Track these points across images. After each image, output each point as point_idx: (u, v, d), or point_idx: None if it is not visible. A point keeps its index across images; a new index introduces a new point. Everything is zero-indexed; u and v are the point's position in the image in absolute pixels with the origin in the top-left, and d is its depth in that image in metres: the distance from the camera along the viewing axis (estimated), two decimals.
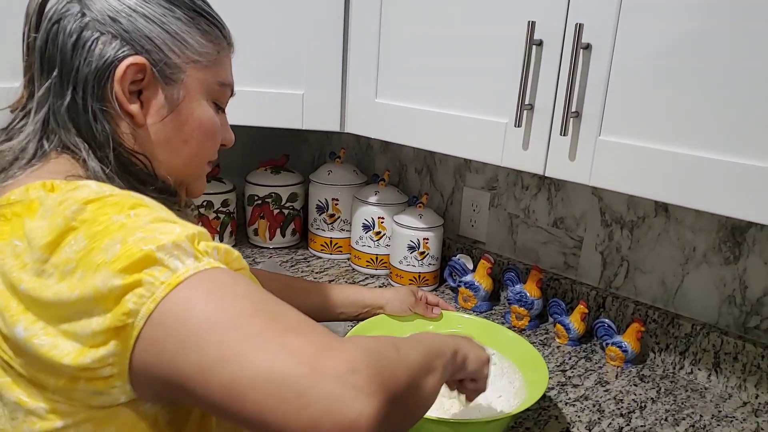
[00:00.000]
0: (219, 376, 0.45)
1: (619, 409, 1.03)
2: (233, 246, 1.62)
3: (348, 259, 1.61)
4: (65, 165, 0.61)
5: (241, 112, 1.26)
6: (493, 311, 1.38)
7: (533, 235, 1.38)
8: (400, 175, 1.63)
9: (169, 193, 0.67)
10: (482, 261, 1.36)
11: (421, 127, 1.11)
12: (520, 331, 1.29)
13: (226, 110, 0.74)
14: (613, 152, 0.86)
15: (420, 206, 1.44)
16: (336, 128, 1.25)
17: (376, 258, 1.52)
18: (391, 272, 1.48)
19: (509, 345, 1.02)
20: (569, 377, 1.13)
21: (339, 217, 1.60)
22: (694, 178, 0.79)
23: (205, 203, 1.58)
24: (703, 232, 1.11)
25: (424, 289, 1.44)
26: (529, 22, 0.88)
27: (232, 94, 0.72)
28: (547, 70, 0.90)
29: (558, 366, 1.16)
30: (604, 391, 1.09)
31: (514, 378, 0.99)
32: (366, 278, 1.52)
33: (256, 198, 1.63)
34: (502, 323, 1.32)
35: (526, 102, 0.93)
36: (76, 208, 0.51)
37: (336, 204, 1.58)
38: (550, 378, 1.11)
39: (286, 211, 1.65)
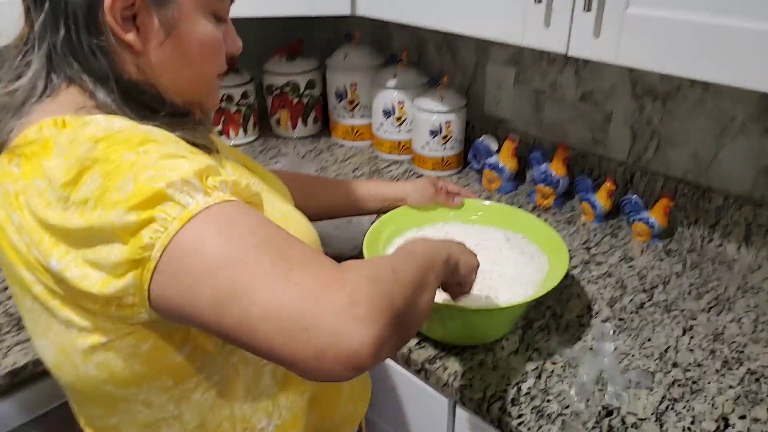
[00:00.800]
0: (231, 310, 0.48)
1: (642, 284, 1.05)
2: (258, 138, 1.63)
3: (371, 145, 1.59)
4: (76, 97, 0.60)
5: (246, 2, 1.20)
6: (518, 191, 1.37)
7: (560, 111, 1.33)
8: (419, 54, 1.56)
9: (180, 116, 0.66)
10: (507, 141, 1.33)
11: (435, 4, 1.04)
12: (545, 210, 1.29)
13: (230, 12, 0.70)
14: (641, 26, 0.80)
15: (441, 87, 1.39)
16: (347, 12, 1.19)
17: (399, 144, 1.50)
18: (413, 158, 1.46)
19: (532, 228, 1.02)
20: (593, 255, 1.14)
21: (359, 103, 1.56)
22: (732, 50, 0.73)
23: (225, 96, 1.56)
24: (743, 101, 1.05)
25: (448, 174, 1.44)
26: None
27: (232, 1, 0.68)
28: None
29: (582, 244, 1.17)
30: (628, 267, 1.10)
31: (539, 262, 0.99)
32: (389, 165, 1.51)
33: (274, 88, 1.60)
34: (528, 202, 1.32)
35: None
36: (87, 147, 0.52)
37: (354, 89, 1.54)
38: (573, 256, 1.13)
39: (305, 100, 1.62)
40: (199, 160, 0.53)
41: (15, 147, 0.57)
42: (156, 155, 0.52)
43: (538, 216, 1.26)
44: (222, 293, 0.48)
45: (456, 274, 0.71)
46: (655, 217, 1.14)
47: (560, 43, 0.89)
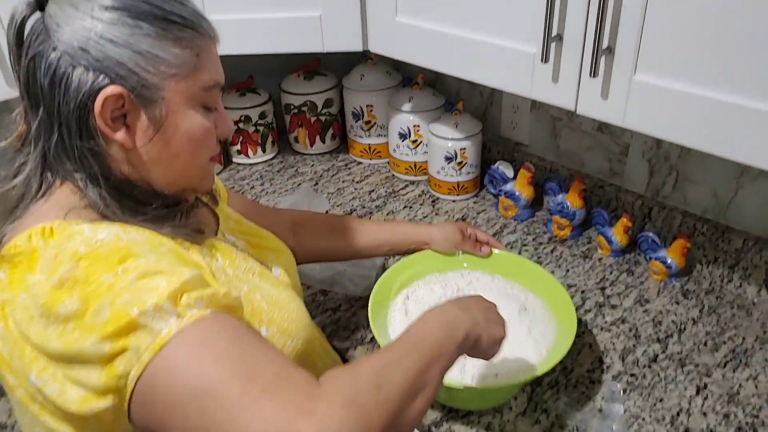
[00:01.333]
0: None
1: (656, 332, 1.03)
2: (276, 155, 1.64)
3: (388, 163, 1.59)
4: (68, 196, 0.62)
5: (258, 40, 1.21)
6: (534, 218, 1.35)
7: (577, 139, 1.30)
8: (436, 74, 1.53)
9: (170, 206, 0.67)
10: (522, 170, 1.31)
11: (445, 50, 1.02)
12: (562, 241, 1.28)
13: (220, 102, 0.69)
14: (648, 94, 0.77)
15: (456, 113, 1.37)
16: (358, 48, 1.17)
17: (415, 165, 1.49)
18: (429, 180, 1.46)
19: (549, 290, 0.99)
20: (608, 296, 1.12)
21: (375, 123, 1.55)
22: (735, 127, 0.70)
23: (243, 117, 1.57)
24: None
25: (463, 198, 1.43)
26: None
27: (222, 90, 0.68)
28: None
29: (597, 283, 1.16)
30: (643, 311, 1.08)
31: (551, 326, 0.97)
32: (406, 185, 1.51)
33: (292, 107, 1.60)
34: (544, 232, 1.31)
35: (554, 33, 0.82)
36: (70, 266, 0.54)
37: (371, 110, 1.53)
38: (587, 298, 1.12)
39: (323, 118, 1.61)
40: (178, 274, 0.55)
41: (5, 254, 0.59)
42: (134, 275, 0.53)
43: (554, 248, 1.25)
44: (192, 424, 0.50)
45: (476, 350, 0.68)
46: (673, 256, 1.12)
47: (569, 101, 0.87)
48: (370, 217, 1.39)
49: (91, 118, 0.59)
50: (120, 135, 0.61)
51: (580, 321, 1.04)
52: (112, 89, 0.59)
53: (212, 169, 0.73)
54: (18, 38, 0.61)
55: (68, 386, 0.54)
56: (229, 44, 1.20)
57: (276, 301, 0.73)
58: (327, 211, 1.40)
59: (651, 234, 1.15)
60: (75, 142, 0.60)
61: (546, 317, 0.95)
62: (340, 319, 1.10)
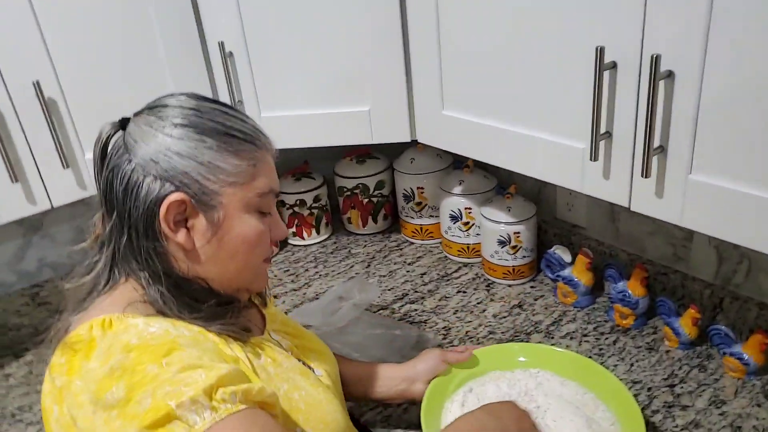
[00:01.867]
0: None
1: None
2: (330, 236, 1.66)
3: (440, 244, 1.57)
4: (130, 292, 0.68)
5: (311, 134, 1.24)
6: (595, 305, 1.29)
7: (637, 223, 1.25)
8: None
9: (225, 304, 0.71)
10: (580, 256, 1.26)
11: (492, 143, 1.01)
12: (625, 331, 1.20)
13: (275, 208, 0.75)
14: (706, 193, 0.73)
15: (508, 197, 1.35)
16: (406, 139, 1.19)
17: (468, 247, 1.47)
18: (483, 263, 1.43)
19: (605, 387, 0.93)
20: (678, 395, 1.04)
21: (426, 205, 1.55)
22: None
23: (298, 202, 1.60)
24: None
25: (520, 282, 1.38)
26: (597, 47, 0.74)
27: (276, 196, 0.74)
28: (624, 96, 0.77)
29: (665, 379, 1.08)
30: (719, 414, 0.99)
31: (601, 418, 0.91)
32: (459, 267, 1.48)
33: (345, 190, 1.62)
34: (606, 320, 1.24)
35: (603, 130, 0.80)
36: (121, 357, 0.58)
37: (422, 192, 1.53)
38: (654, 397, 1.04)
39: (375, 199, 1.63)
40: (216, 369, 0.58)
41: (67, 342, 0.64)
42: (176, 368, 0.57)
43: (616, 339, 1.18)
44: None
45: None
46: (750, 353, 1.03)
47: (621, 198, 0.83)
48: (422, 303, 1.36)
49: (156, 221, 0.66)
50: (180, 236, 0.67)
51: (647, 423, 0.96)
52: (175, 196, 0.65)
53: (265, 271, 0.77)
54: (102, 153, 0.69)
55: None
56: (285, 139, 1.25)
57: (314, 402, 0.74)
58: (378, 297, 1.39)
59: (724, 327, 1.07)
60: (142, 242, 0.67)
61: (609, 424, 0.88)
62: (392, 416, 1.07)
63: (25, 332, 1.40)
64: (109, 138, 0.69)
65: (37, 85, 1.03)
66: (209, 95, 1.20)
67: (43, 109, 1.04)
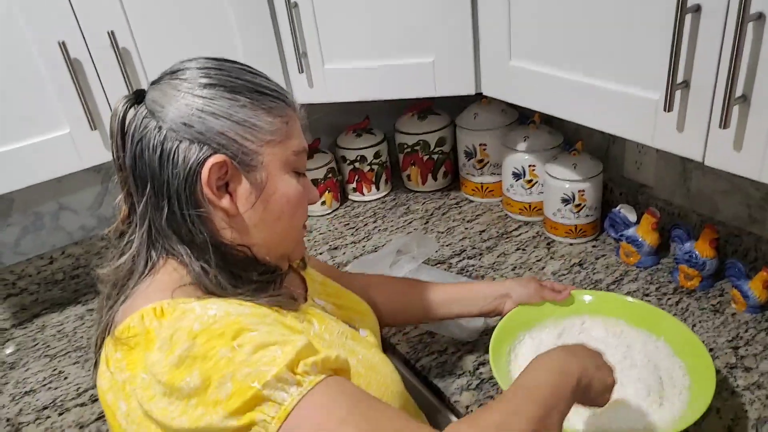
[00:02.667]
0: None
1: None
2: (390, 191, 1.67)
3: (501, 202, 1.56)
4: (170, 275, 0.66)
5: (371, 87, 1.25)
6: (659, 266, 1.26)
7: (711, 182, 1.20)
8: None
9: (270, 273, 0.71)
10: (646, 215, 1.23)
11: (560, 94, 0.99)
12: (690, 292, 1.18)
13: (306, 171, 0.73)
14: None
15: (575, 153, 1.32)
16: (471, 92, 1.17)
17: (529, 206, 1.45)
18: (545, 221, 1.41)
19: (674, 334, 0.94)
20: (741, 357, 1.01)
21: (488, 162, 1.53)
22: None
23: (358, 157, 1.62)
24: None
25: (582, 241, 1.37)
26: None
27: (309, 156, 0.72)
28: (707, 42, 0.73)
29: (729, 341, 1.05)
30: None
31: (674, 376, 0.90)
32: (519, 225, 1.47)
33: (405, 146, 1.63)
34: (670, 281, 1.21)
35: (680, 80, 0.77)
36: (187, 345, 0.57)
37: (484, 149, 1.52)
38: (716, 357, 1.02)
39: (435, 156, 1.62)
40: (291, 343, 0.57)
41: (119, 336, 0.63)
42: (249, 348, 0.56)
43: (679, 300, 1.16)
44: None
45: (586, 396, 0.67)
46: None
47: (696, 152, 0.81)
48: (480, 258, 1.37)
49: (198, 187, 0.64)
50: (225, 202, 0.65)
51: None
52: (216, 158, 0.63)
53: (303, 237, 0.76)
54: (121, 128, 0.66)
55: None
56: (345, 91, 1.27)
57: (371, 365, 0.74)
58: (436, 251, 1.40)
59: None
60: (185, 211, 0.65)
61: (680, 375, 0.89)
62: (446, 362, 1.09)
63: None
64: (126, 111, 0.66)
65: (112, 35, 1.06)
66: (274, 47, 1.24)
67: (117, 59, 1.08)
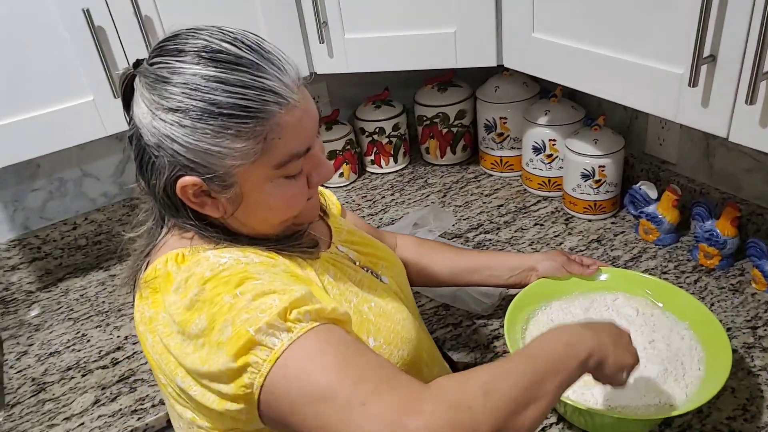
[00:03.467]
0: None
1: None
2: (408, 164, 1.67)
3: (520, 177, 1.55)
4: (188, 236, 0.70)
5: (392, 57, 1.24)
6: (679, 244, 1.25)
7: (735, 159, 1.18)
8: None
9: (282, 240, 0.72)
10: (667, 192, 1.22)
11: (582, 68, 0.97)
12: (709, 271, 1.17)
13: (313, 148, 0.68)
14: None
15: (596, 128, 1.31)
16: (492, 63, 1.16)
17: (549, 180, 1.44)
18: (564, 197, 1.40)
19: (692, 313, 0.93)
20: (759, 337, 1.01)
21: (508, 136, 1.52)
22: None
23: (377, 129, 1.61)
24: None
25: (601, 217, 1.36)
26: None
27: (308, 149, 0.67)
28: (735, 15, 0.71)
29: (747, 321, 1.04)
30: None
31: (692, 356, 0.89)
32: (538, 200, 1.46)
33: (424, 119, 1.62)
34: (689, 260, 1.20)
35: (706, 54, 0.75)
36: (198, 290, 0.61)
37: (504, 123, 1.50)
38: (734, 337, 1.01)
39: (455, 129, 1.61)
40: (289, 293, 0.60)
41: (147, 279, 0.68)
42: (250, 296, 0.59)
43: (698, 279, 1.15)
44: (310, 425, 0.55)
45: (600, 372, 0.66)
46: None
47: (720, 127, 0.79)
48: (497, 233, 1.36)
49: (177, 196, 0.66)
50: (208, 208, 0.67)
51: None
52: (186, 180, 0.64)
53: (311, 205, 0.73)
54: (125, 94, 0.68)
55: (207, 391, 0.61)
56: (366, 62, 1.26)
57: (383, 312, 0.77)
58: (453, 225, 1.40)
59: None
60: (177, 204, 0.68)
61: (695, 352, 0.89)
62: (461, 335, 1.10)
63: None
64: (126, 81, 0.67)
65: (135, 3, 1.06)
66: (295, 16, 1.22)
67: (140, 27, 1.08)
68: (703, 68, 0.77)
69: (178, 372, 0.63)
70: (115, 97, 1.10)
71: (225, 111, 0.60)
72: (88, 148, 1.40)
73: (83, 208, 1.47)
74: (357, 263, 0.83)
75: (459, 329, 1.11)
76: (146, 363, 1.14)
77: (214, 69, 0.61)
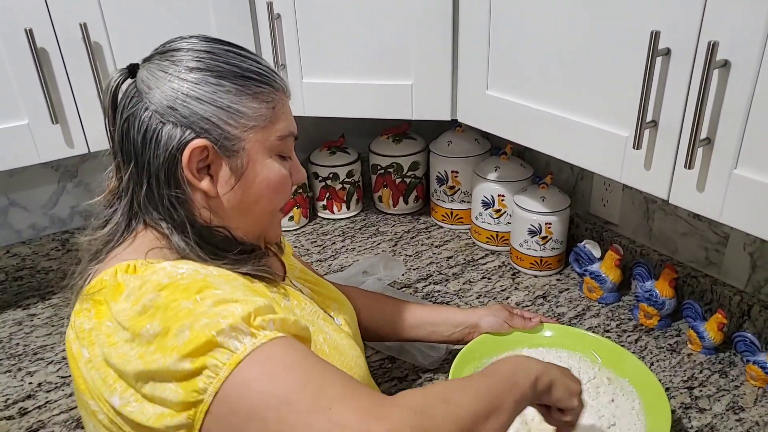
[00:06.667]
0: None
1: None
2: (360, 212, 1.67)
3: (469, 230, 1.57)
4: (151, 241, 0.68)
5: (349, 105, 1.25)
6: (620, 303, 1.28)
7: (671, 224, 1.23)
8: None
9: (247, 253, 0.72)
10: (610, 252, 1.25)
11: (534, 127, 1.01)
12: (648, 330, 1.19)
13: (293, 151, 0.75)
14: (750, 189, 0.72)
15: (543, 186, 1.35)
16: (446, 118, 1.19)
17: (497, 235, 1.47)
18: (511, 252, 1.42)
19: (631, 370, 0.95)
20: (696, 398, 1.03)
21: (459, 189, 1.55)
22: None
23: (331, 175, 1.61)
24: None
25: (546, 274, 1.38)
26: (652, 32, 0.73)
27: (295, 138, 0.73)
28: (675, 84, 0.76)
29: (685, 381, 1.07)
30: (737, 420, 0.98)
31: (630, 405, 0.91)
32: (486, 254, 1.48)
33: (379, 168, 1.63)
34: (630, 319, 1.23)
35: (649, 119, 0.79)
36: (152, 295, 0.58)
37: (456, 176, 1.53)
38: (672, 397, 1.03)
39: (408, 180, 1.63)
40: (251, 302, 0.58)
41: (90, 291, 0.64)
42: (211, 302, 0.57)
43: (638, 338, 1.17)
44: (271, 430, 0.52)
45: (549, 396, 0.68)
46: None
47: (661, 190, 0.83)
48: (446, 284, 1.37)
49: (179, 169, 0.65)
50: (204, 184, 0.66)
51: None
52: (197, 142, 0.64)
53: (280, 221, 0.78)
54: (113, 102, 0.68)
55: (147, 404, 0.57)
56: (323, 107, 1.27)
57: (337, 346, 0.76)
58: (402, 274, 1.40)
59: (749, 335, 1.05)
60: (163, 191, 0.66)
61: (635, 412, 0.91)
62: (406, 389, 1.08)
63: (53, 276, 1.44)
64: (118, 86, 0.68)
65: (84, 28, 1.02)
66: None
67: (88, 53, 1.04)
68: (646, 132, 0.81)
69: (117, 386, 0.58)
70: (53, 123, 1.06)
71: (245, 74, 0.66)
72: (18, 175, 1.33)
73: (6, 240, 1.38)
74: (311, 300, 0.83)
75: (405, 383, 1.09)
76: (60, 413, 1.05)
77: (222, 45, 0.68)
